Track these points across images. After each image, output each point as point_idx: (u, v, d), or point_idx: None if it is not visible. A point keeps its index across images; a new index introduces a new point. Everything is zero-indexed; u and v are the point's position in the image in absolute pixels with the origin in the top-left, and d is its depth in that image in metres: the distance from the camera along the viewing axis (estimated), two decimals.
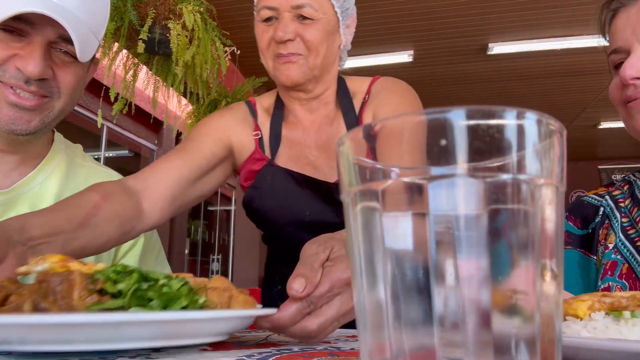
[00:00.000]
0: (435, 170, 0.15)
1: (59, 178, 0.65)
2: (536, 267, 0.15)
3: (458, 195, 0.15)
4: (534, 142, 0.16)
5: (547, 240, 0.16)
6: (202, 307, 0.33)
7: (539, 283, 0.15)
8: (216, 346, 0.37)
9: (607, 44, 0.65)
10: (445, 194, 0.15)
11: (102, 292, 0.31)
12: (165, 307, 0.31)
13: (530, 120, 0.16)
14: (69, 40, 0.56)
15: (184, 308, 0.31)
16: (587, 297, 0.34)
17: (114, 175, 0.74)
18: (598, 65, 4.09)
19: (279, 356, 0.33)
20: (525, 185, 0.15)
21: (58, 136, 0.71)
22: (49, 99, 0.59)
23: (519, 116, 0.16)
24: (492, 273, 0.15)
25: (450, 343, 0.15)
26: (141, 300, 0.30)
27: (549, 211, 0.16)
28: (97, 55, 0.68)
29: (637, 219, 0.61)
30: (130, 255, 0.71)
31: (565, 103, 4.97)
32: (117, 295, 0.31)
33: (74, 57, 0.58)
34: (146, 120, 3.08)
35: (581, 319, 0.33)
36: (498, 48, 3.74)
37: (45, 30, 0.56)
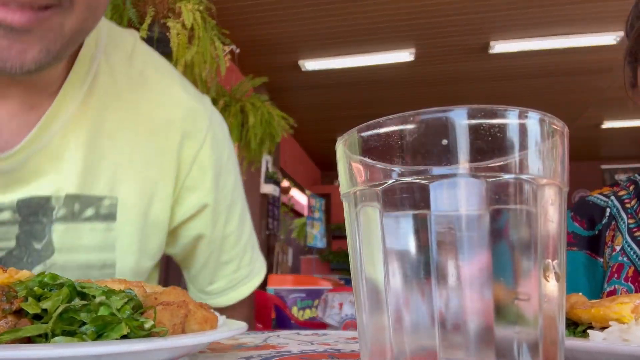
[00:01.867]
0: (437, 170, 0.15)
1: (87, 118, 0.43)
2: (539, 268, 0.15)
3: (459, 196, 0.15)
4: (536, 142, 0.15)
5: (549, 241, 0.16)
6: (148, 333, 0.25)
7: (541, 284, 0.15)
8: (214, 348, 0.37)
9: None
10: (447, 194, 0.15)
11: (21, 311, 0.24)
12: (100, 335, 0.24)
13: (533, 119, 0.16)
14: None
15: (125, 337, 0.24)
16: (627, 299, 0.31)
17: (183, 102, 0.49)
18: (601, 64, 4.07)
19: (278, 358, 0.33)
20: (528, 185, 0.15)
21: (90, 39, 0.44)
22: (52, 11, 0.35)
23: (521, 115, 0.15)
24: (493, 274, 0.15)
25: (452, 345, 0.15)
26: (71, 324, 0.24)
27: (551, 211, 0.16)
28: None
29: None
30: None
31: (567, 102, 4.95)
32: (42, 316, 0.24)
33: None
34: None
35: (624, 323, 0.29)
36: (500, 46, 3.73)
37: None
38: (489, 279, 0.14)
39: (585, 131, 5.85)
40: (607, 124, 5.52)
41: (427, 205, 0.15)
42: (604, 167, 7.11)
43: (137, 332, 0.25)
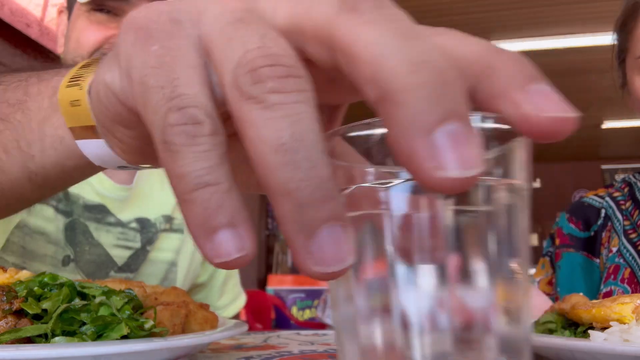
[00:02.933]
0: (392, 175, 0.15)
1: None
2: (499, 269, 0.15)
3: (416, 198, 0.15)
4: (495, 144, 0.16)
5: (510, 242, 0.16)
6: (148, 334, 0.25)
7: (501, 285, 0.15)
8: (214, 348, 0.37)
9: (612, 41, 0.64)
10: (404, 196, 0.15)
11: (22, 311, 0.24)
12: (100, 335, 0.24)
13: (490, 121, 0.16)
14: None
15: (125, 337, 0.24)
16: (628, 299, 0.30)
17: None
18: (601, 64, 4.06)
19: (278, 358, 0.33)
20: (487, 186, 0.15)
21: None
22: None
23: (480, 119, 0.16)
24: (453, 276, 0.15)
25: (409, 346, 0.15)
26: (71, 324, 0.24)
27: (512, 212, 0.16)
28: None
29: (639, 223, 0.61)
30: None
31: (567, 102, 4.95)
32: (42, 316, 0.24)
33: None
34: None
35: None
36: (500, 46, 3.74)
37: (141, 5, 0.49)
38: (448, 281, 0.15)
39: (585, 131, 5.85)
40: (607, 124, 5.52)
41: (386, 208, 0.15)
42: (604, 167, 7.11)
43: (137, 332, 0.25)
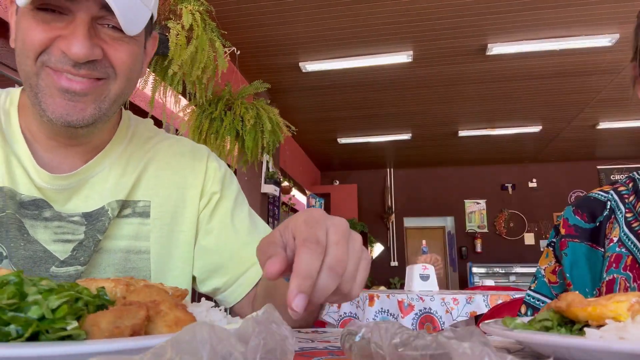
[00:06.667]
0: None
1: (125, 159, 0.62)
2: None
3: None
4: None
5: None
6: (67, 336, 0.23)
7: None
8: None
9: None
10: None
11: None
12: (21, 335, 0.22)
13: None
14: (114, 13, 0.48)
15: (34, 339, 0.22)
16: (623, 297, 0.30)
17: (187, 143, 0.70)
18: (597, 66, 4.10)
19: None
20: None
21: (126, 114, 0.65)
22: (103, 81, 0.52)
23: None
24: None
25: None
26: (5, 325, 0.22)
27: None
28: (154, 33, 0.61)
29: None
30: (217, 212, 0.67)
31: (564, 103, 4.97)
32: None
33: (123, 31, 0.50)
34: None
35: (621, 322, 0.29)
36: (497, 49, 3.75)
37: (87, 3, 0.48)
38: None
39: (581, 132, 5.87)
40: (603, 125, 5.55)
41: None
42: (599, 167, 7.14)
43: (47, 335, 0.23)
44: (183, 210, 0.65)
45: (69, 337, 0.23)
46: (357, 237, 0.35)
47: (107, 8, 0.49)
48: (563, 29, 3.47)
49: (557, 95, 4.77)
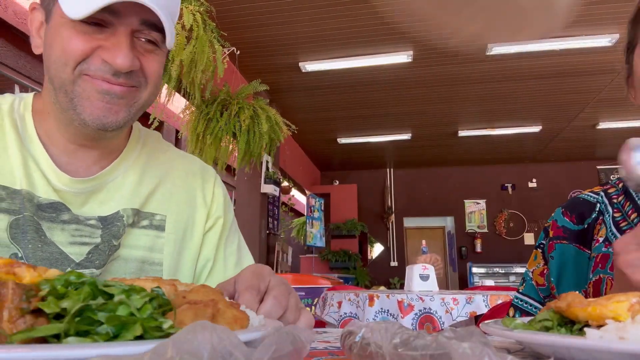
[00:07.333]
0: None
1: (139, 167, 0.65)
2: None
3: None
4: None
5: None
6: (166, 334, 0.24)
7: None
8: None
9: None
10: None
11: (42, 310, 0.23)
12: (116, 335, 0.23)
13: None
14: (151, 27, 0.54)
15: (139, 338, 0.23)
16: (623, 298, 0.30)
17: (197, 161, 0.74)
18: (597, 66, 4.10)
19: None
20: None
21: (136, 125, 0.69)
22: (136, 89, 0.56)
23: None
24: None
25: None
26: (91, 324, 0.23)
27: None
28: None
29: (629, 212, 0.63)
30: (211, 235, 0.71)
31: (563, 103, 4.97)
32: (61, 315, 0.23)
33: (155, 44, 0.56)
34: (145, 121, 3.08)
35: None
36: (497, 49, 3.75)
37: (130, 18, 0.53)
38: None
39: (581, 132, 5.88)
40: (603, 125, 5.55)
41: None
42: (599, 167, 7.14)
43: (152, 333, 0.23)
44: (192, 228, 0.68)
45: (165, 336, 0.23)
46: (297, 294, 0.42)
47: (145, 23, 0.54)
48: (564, 29, 3.47)
49: (557, 95, 4.77)
